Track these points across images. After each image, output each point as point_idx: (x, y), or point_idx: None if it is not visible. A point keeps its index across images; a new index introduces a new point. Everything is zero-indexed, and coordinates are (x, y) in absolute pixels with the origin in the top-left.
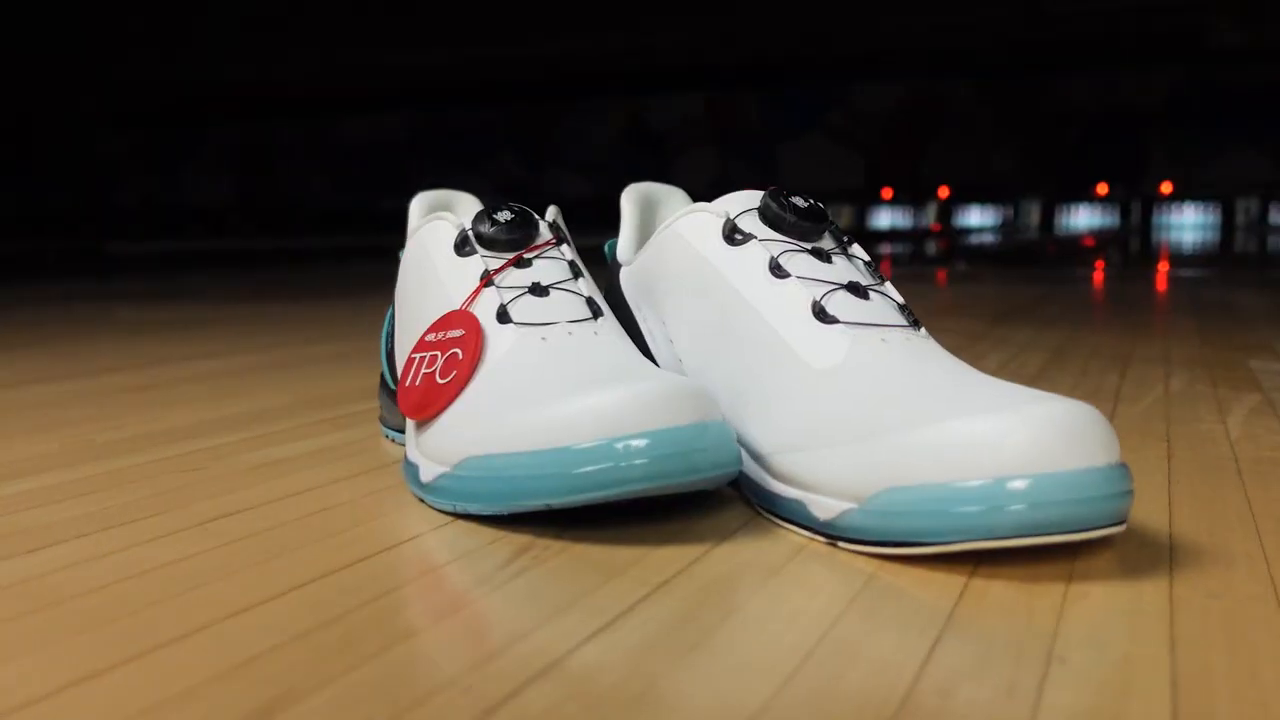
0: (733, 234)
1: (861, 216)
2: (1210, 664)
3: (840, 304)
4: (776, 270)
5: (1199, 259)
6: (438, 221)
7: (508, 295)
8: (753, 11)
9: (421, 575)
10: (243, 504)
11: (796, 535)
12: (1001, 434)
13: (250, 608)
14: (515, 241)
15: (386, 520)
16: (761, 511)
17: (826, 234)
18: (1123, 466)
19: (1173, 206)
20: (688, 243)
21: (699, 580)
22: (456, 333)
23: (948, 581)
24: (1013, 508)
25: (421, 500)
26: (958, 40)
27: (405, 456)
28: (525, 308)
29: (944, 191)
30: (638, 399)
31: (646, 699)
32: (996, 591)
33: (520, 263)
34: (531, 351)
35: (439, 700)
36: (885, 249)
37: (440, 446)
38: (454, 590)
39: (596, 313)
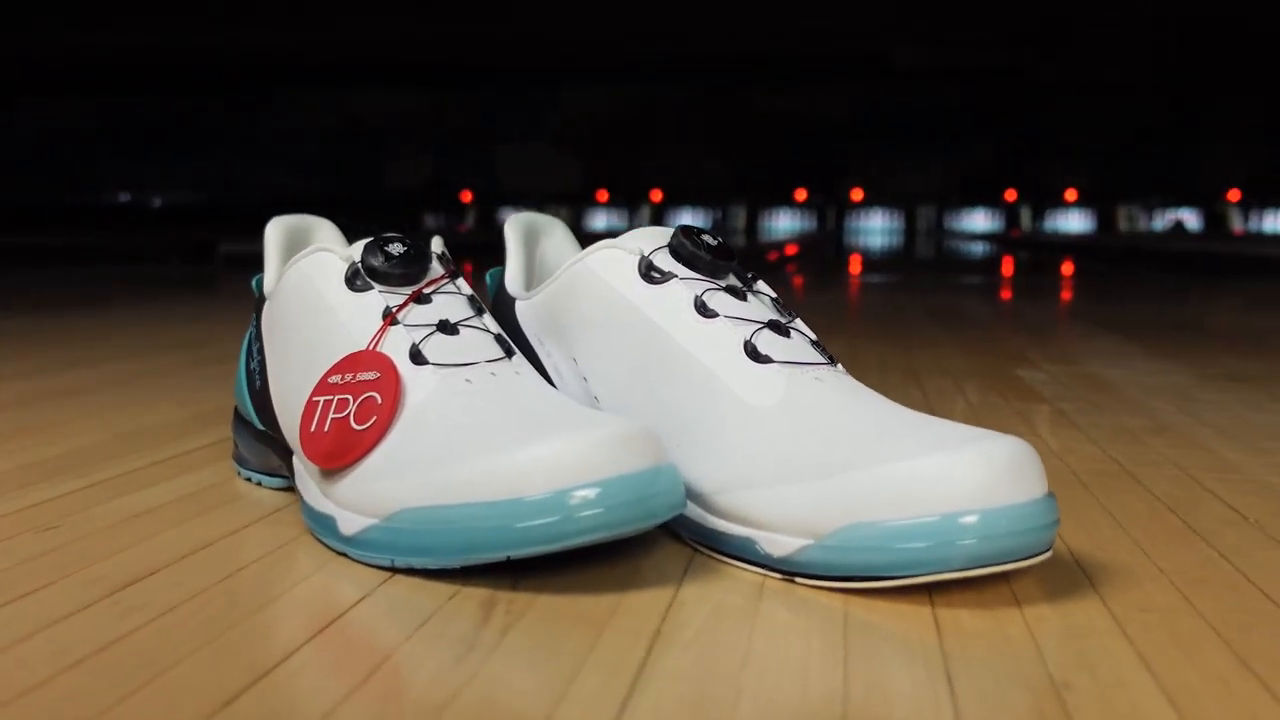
0: (649, 271)
1: (578, 219)
2: (1187, 680)
3: (769, 343)
4: (702, 309)
5: (885, 263)
6: (322, 254)
7: (417, 334)
8: (466, 10)
9: (401, 644)
10: (140, 569)
11: (747, 572)
12: (952, 471)
13: (239, 695)
14: (409, 275)
15: (317, 581)
16: (699, 548)
17: (732, 271)
18: (1052, 496)
19: (863, 212)
20: (602, 280)
21: (689, 629)
22: (369, 375)
23: (916, 614)
24: (964, 541)
25: (343, 554)
26: (671, 49)
27: (307, 506)
28: (438, 347)
29: (657, 195)
30: (595, 446)
31: None
32: (966, 621)
33: (420, 298)
34: (457, 395)
35: None
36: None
37: (365, 496)
38: (447, 660)
39: (509, 350)
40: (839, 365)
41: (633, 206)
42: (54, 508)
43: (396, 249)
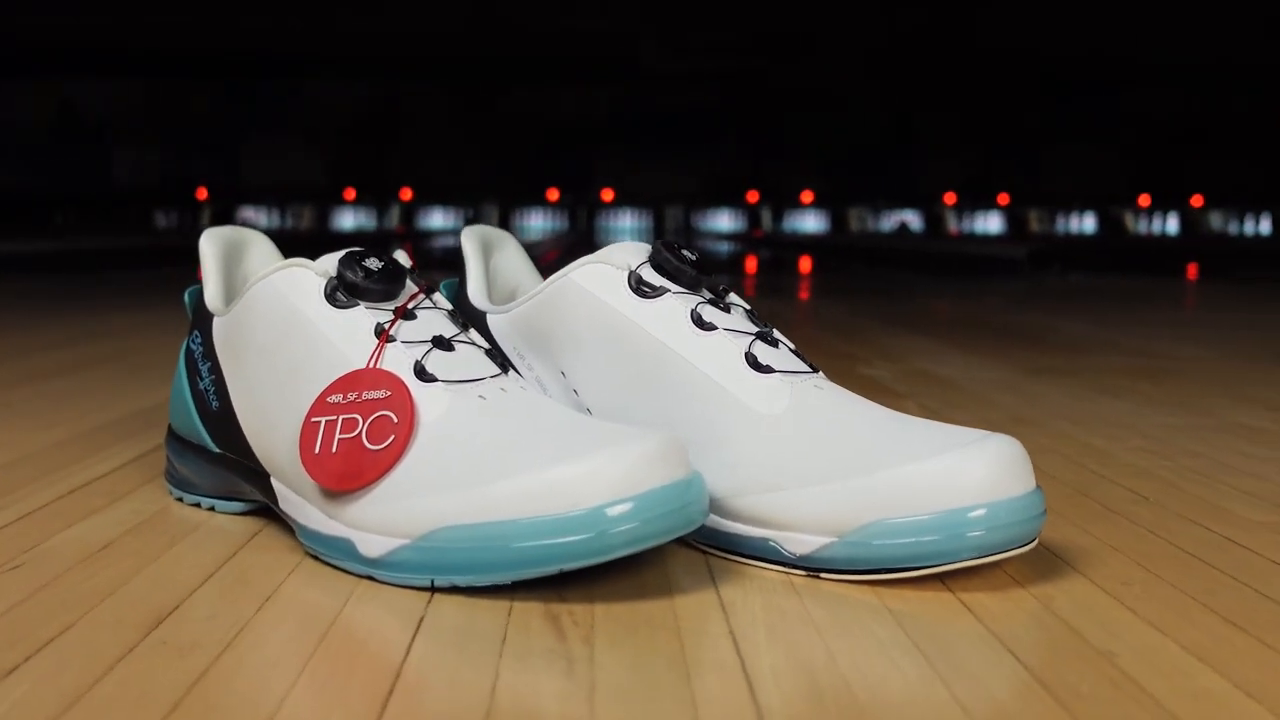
0: (640, 286)
1: (324, 217)
2: (1197, 640)
3: (765, 353)
4: (699, 322)
5: None
6: (295, 269)
7: (416, 351)
8: None
9: (502, 669)
10: (157, 605)
11: (770, 571)
12: (962, 469)
13: None
14: (389, 291)
15: (358, 612)
16: (711, 552)
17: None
18: (1040, 489)
19: (613, 213)
20: (591, 294)
21: (759, 627)
22: (377, 393)
23: (942, 600)
24: (974, 533)
25: (368, 578)
26: (418, 47)
27: (308, 530)
28: (439, 364)
29: (406, 193)
30: (640, 458)
31: None
32: (987, 605)
33: (405, 314)
34: (476, 412)
35: None
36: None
37: (389, 517)
38: (559, 676)
39: (503, 365)
40: (820, 373)
41: (381, 205)
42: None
43: (374, 264)
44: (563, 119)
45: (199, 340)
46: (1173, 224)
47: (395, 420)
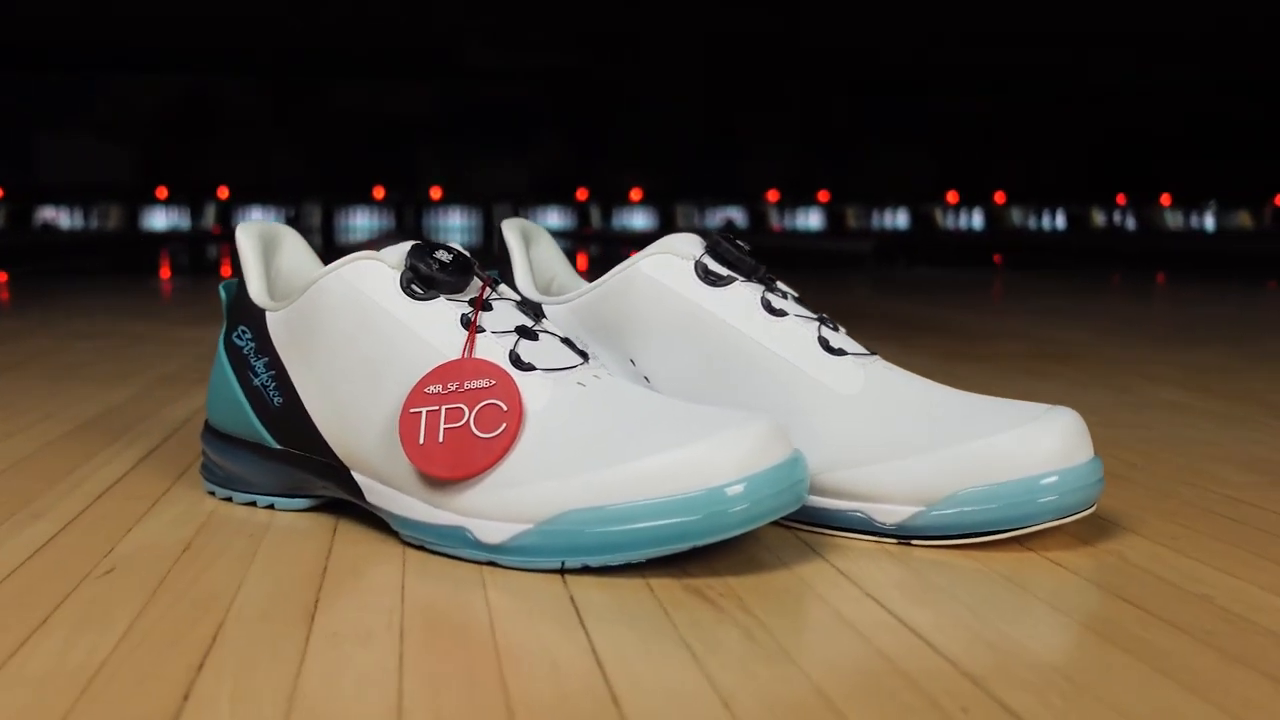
0: (707, 275)
1: (134, 217)
2: (1243, 590)
3: (832, 338)
4: (769, 308)
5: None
6: (367, 262)
7: (507, 341)
8: None
9: (677, 647)
10: (298, 604)
11: (862, 542)
12: (1037, 440)
13: None
14: (459, 283)
15: (504, 603)
16: (797, 527)
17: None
18: (1099, 457)
19: (442, 210)
20: (660, 284)
21: (895, 589)
22: (480, 383)
23: (1030, 560)
24: (1047, 498)
25: (489, 564)
26: (232, 37)
27: (411, 521)
28: (532, 353)
29: (223, 192)
30: (758, 438)
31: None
32: (1074, 561)
33: (484, 305)
34: (578, 399)
35: None
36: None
37: (508, 503)
38: (751, 649)
39: (583, 353)
40: (878, 355)
41: (196, 204)
42: (58, 552)
43: (444, 256)
44: (387, 115)
45: (248, 336)
46: (978, 219)
47: (505, 408)
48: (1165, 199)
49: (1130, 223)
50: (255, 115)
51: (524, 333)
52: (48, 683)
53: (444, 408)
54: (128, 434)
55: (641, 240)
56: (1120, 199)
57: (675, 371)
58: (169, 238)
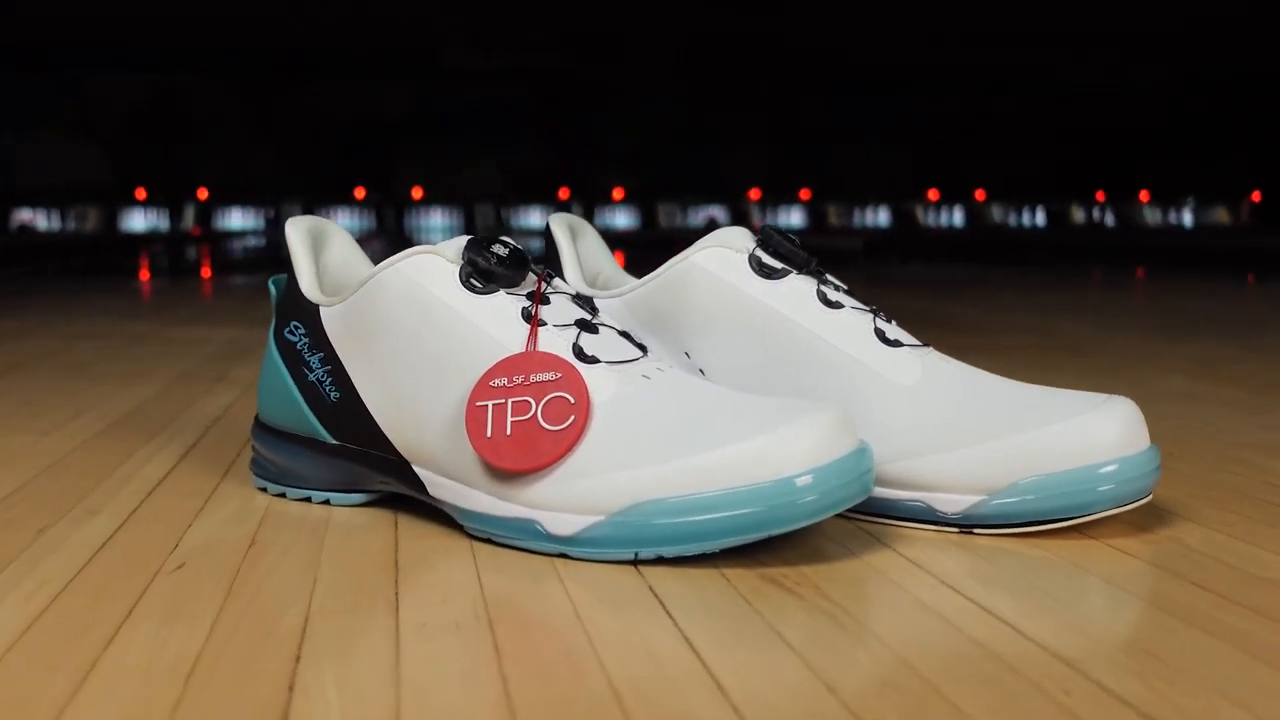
0: (762, 268)
1: (112, 219)
2: None
3: (887, 329)
4: (825, 300)
5: None
6: (426, 257)
7: (568, 334)
8: None
9: (772, 638)
10: (382, 596)
11: (924, 532)
12: (1097, 429)
13: None
14: (516, 277)
15: (584, 598)
16: (857, 517)
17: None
18: (1156, 445)
19: (423, 211)
20: (715, 276)
21: (968, 578)
22: (546, 375)
23: (1093, 548)
24: (1105, 487)
25: (560, 556)
26: (211, 37)
27: (477, 514)
28: (593, 345)
29: (203, 193)
30: (829, 427)
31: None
32: (1135, 548)
33: (542, 299)
34: (644, 391)
35: None
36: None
37: (579, 495)
38: (856, 638)
39: (640, 345)
40: (931, 347)
41: (175, 205)
42: (123, 549)
43: (501, 250)
44: (368, 115)
45: (301, 331)
46: (959, 217)
47: (572, 401)
48: (1144, 196)
49: (1109, 219)
50: (234, 116)
51: (584, 326)
52: (152, 674)
53: (510, 400)
54: (162, 432)
55: (624, 240)
56: (1099, 196)
57: (732, 364)
58: (149, 239)
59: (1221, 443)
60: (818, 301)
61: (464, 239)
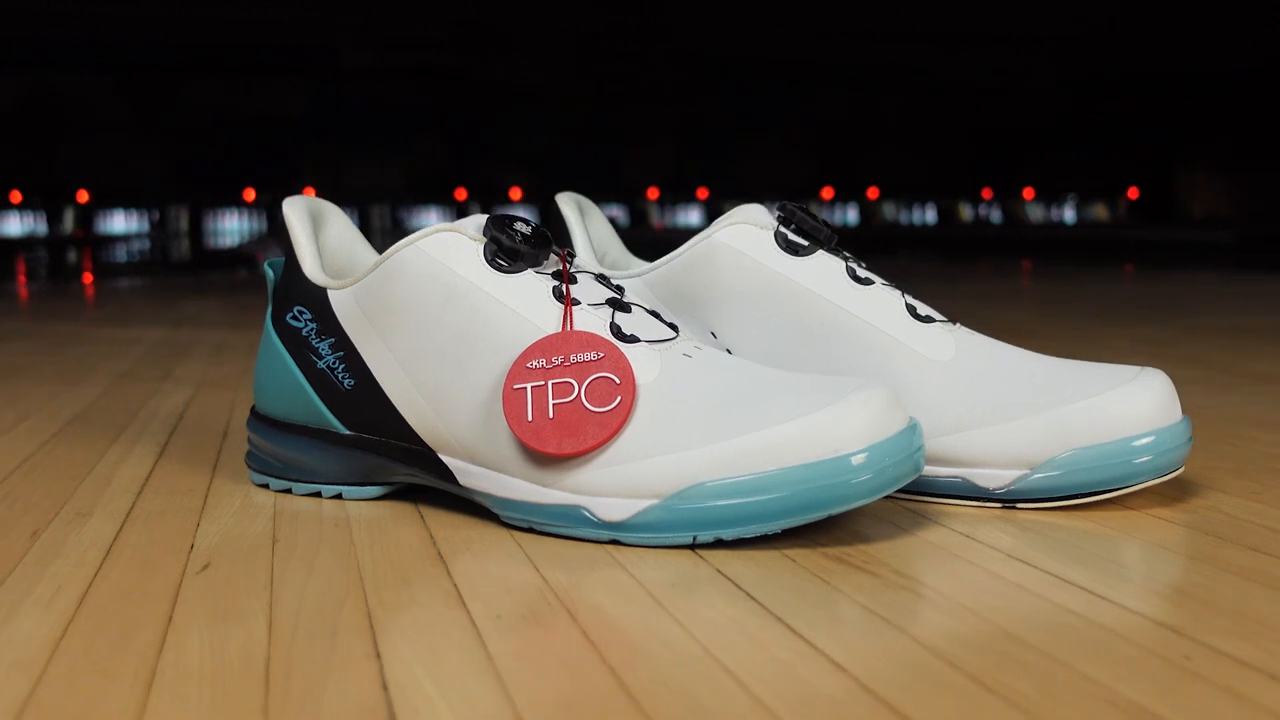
0: (788, 245)
1: None
2: None
3: (919, 305)
4: (854, 277)
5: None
6: (448, 235)
7: (603, 313)
8: None
9: (873, 619)
10: (440, 590)
11: (965, 508)
12: (1135, 401)
13: None
14: (540, 256)
15: (651, 586)
16: (898, 495)
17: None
18: (1188, 417)
19: None
20: (743, 254)
21: (1016, 556)
22: (587, 355)
23: (1138, 519)
24: (1141, 459)
25: (611, 542)
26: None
27: (517, 503)
28: (632, 325)
29: (83, 195)
30: (883, 405)
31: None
32: (1180, 518)
33: (570, 278)
34: (688, 370)
35: None
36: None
37: (630, 478)
38: (935, 615)
39: (671, 323)
40: (959, 323)
41: (52, 207)
42: (134, 550)
43: (523, 228)
44: (257, 115)
45: (307, 316)
46: (853, 214)
47: (617, 381)
48: (1028, 193)
49: (996, 215)
50: (116, 116)
51: (617, 305)
52: (222, 678)
53: (550, 382)
54: (125, 431)
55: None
56: (986, 193)
57: (761, 342)
58: (27, 243)
59: (1208, 418)
60: (848, 278)
61: (482, 216)
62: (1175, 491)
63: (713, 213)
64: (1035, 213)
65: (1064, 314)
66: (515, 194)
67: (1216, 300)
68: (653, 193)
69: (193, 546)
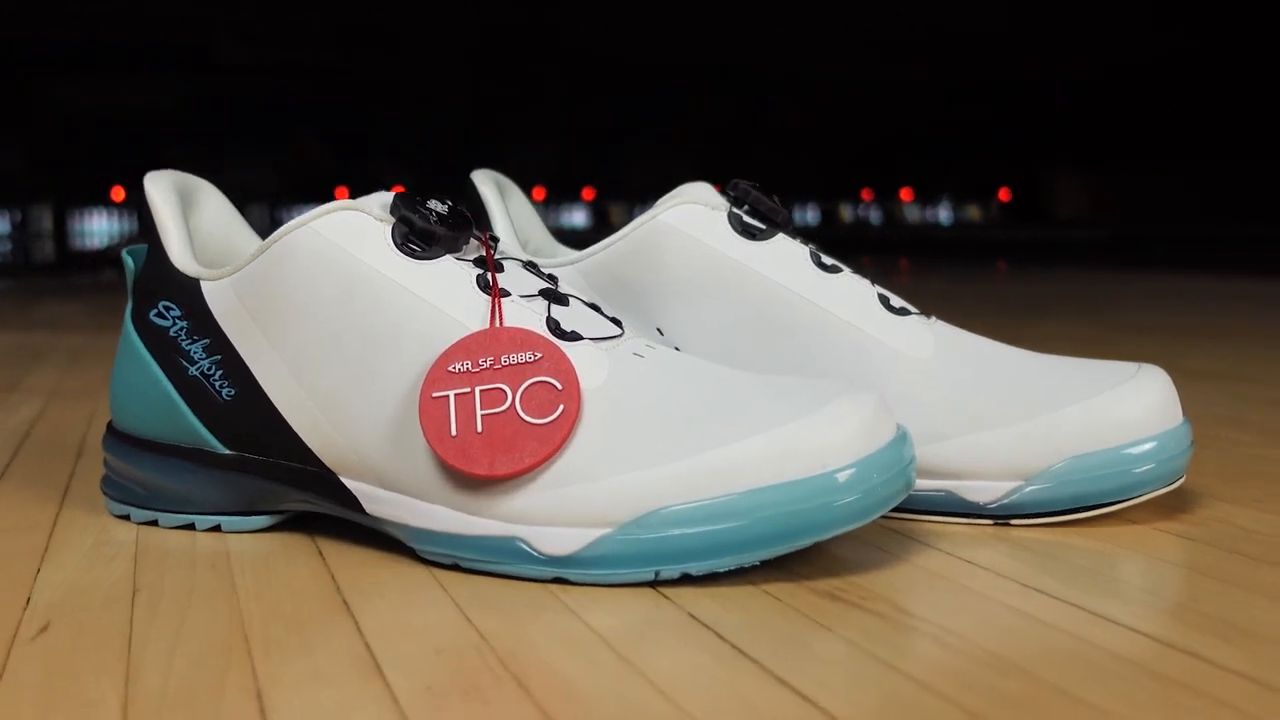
0: (744, 228)
1: None
2: None
3: (891, 295)
4: (820, 263)
5: None
6: (349, 214)
7: (537, 306)
8: None
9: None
10: (347, 656)
11: (953, 526)
12: (1137, 402)
13: None
14: (455, 239)
15: (646, 643)
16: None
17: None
18: (1189, 419)
19: None
20: (691, 237)
21: (1031, 585)
22: (523, 356)
23: (1149, 535)
24: (1142, 467)
25: (556, 581)
26: None
27: (443, 535)
28: (572, 320)
29: None
30: (872, 412)
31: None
32: (1194, 532)
33: (496, 265)
34: (641, 374)
35: None
36: None
37: (576, 503)
38: (959, 652)
39: (614, 319)
40: (934, 316)
41: None
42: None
43: (439, 207)
44: (125, 112)
45: (176, 313)
46: None
47: (559, 387)
48: (905, 194)
49: (875, 216)
50: None
51: (552, 297)
52: None
53: (478, 389)
54: None
55: None
56: (866, 194)
57: (715, 339)
58: None
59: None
60: (812, 264)
61: (388, 194)
62: (1176, 501)
63: (598, 214)
64: (912, 213)
65: (981, 309)
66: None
67: (1120, 299)
68: (538, 193)
69: (29, 602)
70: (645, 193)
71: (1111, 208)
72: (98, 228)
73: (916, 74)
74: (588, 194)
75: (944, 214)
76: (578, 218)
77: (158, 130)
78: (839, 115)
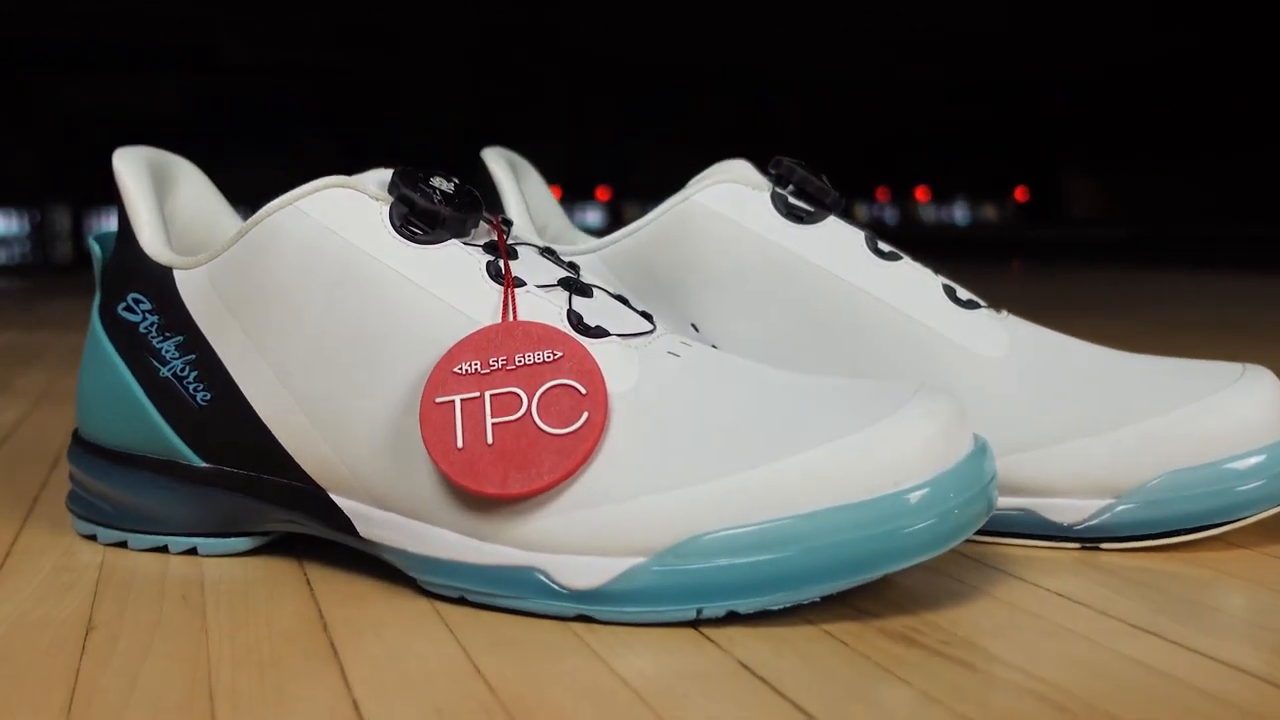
0: (790, 210)
1: None
2: None
3: (957, 286)
4: (877, 250)
5: None
6: (339, 192)
7: (556, 298)
8: None
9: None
10: (329, 701)
11: (1035, 549)
12: (1241, 410)
13: None
14: (463, 221)
15: (691, 698)
16: None
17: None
18: None
19: None
20: (730, 221)
21: (1123, 623)
22: (540, 355)
23: (1262, 561)
24: (1250, 485)
25: (581, 618)
26: None
27: (449, 564)
28: (596, 313)
29: None
30: (951, 420)
31: None
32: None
33: (509, 251)
34: (676, 376)
35: None
36: None
37: (606, 528)
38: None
39: (647, 314)
40: (1005, 310)
41: None
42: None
43: (443, 185)
44: (138, 113)
45: (146, 307)
46: None
47: (582, 391)
48: (920, 194)
49: (890, 215)
50: None
51: (573, 287)
52: None
53: (487, 394)
54: None
55: None
56: (881, 194)
57: (758, 336)
58: None
59: None
60: (867, 251)
61: (386, 171)
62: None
63: (614, 214)
64: (928, 213)
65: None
66: None
67: (1145, 296)
68: (554, 193)
69: None
70: (659, 192)
71: (1127, 207)
72: (110, 229)
73: (931, 73)
74: (602, 194)
75: (960, 213)
76: (591, 217)
77: (168, 132)
78: (850, 115)
